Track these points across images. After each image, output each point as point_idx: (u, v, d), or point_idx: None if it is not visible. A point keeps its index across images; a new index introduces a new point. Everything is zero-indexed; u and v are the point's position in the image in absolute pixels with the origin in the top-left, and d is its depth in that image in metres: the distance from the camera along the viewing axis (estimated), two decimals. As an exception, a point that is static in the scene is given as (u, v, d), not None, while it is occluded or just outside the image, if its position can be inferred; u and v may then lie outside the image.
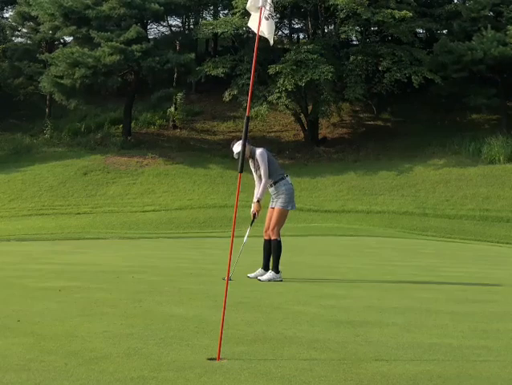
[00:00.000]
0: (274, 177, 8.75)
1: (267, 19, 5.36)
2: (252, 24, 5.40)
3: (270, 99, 33.64)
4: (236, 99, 35.34)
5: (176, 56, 34.88)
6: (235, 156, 8.60)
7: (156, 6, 34.58)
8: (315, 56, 33.32)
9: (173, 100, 38.99)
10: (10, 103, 40.46)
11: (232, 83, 35.11)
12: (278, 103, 34.65)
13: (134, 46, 33.43)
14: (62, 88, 35.50)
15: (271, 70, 33.34)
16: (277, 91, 33.41)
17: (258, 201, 8.68)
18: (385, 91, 35.41)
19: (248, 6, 5.43)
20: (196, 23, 40.99)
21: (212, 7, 42.55)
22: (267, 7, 5.35)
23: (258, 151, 8.75)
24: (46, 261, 11.11)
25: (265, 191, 8.72)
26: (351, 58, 35.06)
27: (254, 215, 8.72)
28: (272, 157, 8.91)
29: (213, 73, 34.71)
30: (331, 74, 32.64)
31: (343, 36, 35.23)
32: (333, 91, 34.60)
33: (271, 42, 5.56)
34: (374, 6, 33.62)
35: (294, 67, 33.30)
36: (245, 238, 8.73)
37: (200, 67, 35.44)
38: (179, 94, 38.44)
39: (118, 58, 33.14)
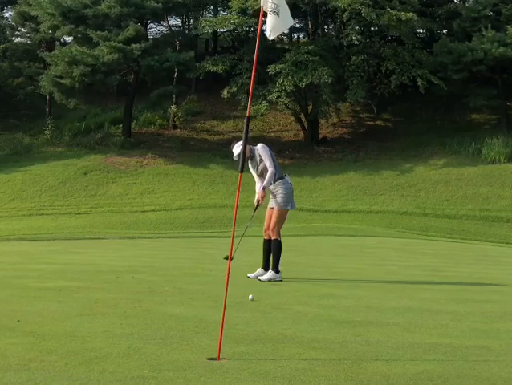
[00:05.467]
0: (276, 173, 8.72)
1: (266, 15, 5.38)
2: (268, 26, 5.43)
3: (269, 98, 33.60)
4: (235, 97, 35.31)
5: (176, 54, 34.88)
6: (234, 158, 8.60)
7: (154, 3, 34.49)
8: (315, 58, 33.22)
9: (173, 99, 39.02)
10: (10, 103, 40.47)
11: (231, 82, 35.08)
12: (277, 103, 34.64)
13: (133, 45, 33.42)
14: (61, 88, 35.49)
15: (271, 70, 33.29)
16: (276, 90, 33.37)
17: (263, 189, 8.65)
18: (387, 93, 35.45)
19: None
20: (196, 21, 41.00)
21: (212, 7, 42.58)
22: (269, 5, 5.36)
23: (259, 145, 8.81)
24: (46, 261, 11.11)
25: (271, 180, 8.64)
26: (353, 59, 34.96)
27: (258, 202, 8.68)
28: (273, 155, 8.89)
29: (213, 69, 34.70)
30: (331, 79, 32.50)
31: (347, 39, 35.13)
32: (333, 93, 34.49)
33: (269, 37, 5.54)
34: (377, 7, 33.33)
35: (294, 68, 33.22)
36: (248, 223, 8.65)
37: (199, 64, 35.48)
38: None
39: (116, 56, 33.11)
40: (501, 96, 35.04)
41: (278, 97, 33.47)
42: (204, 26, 36.00)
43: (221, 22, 35.39)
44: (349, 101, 35.06)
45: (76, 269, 9.66)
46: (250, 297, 6.77)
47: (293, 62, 33.43)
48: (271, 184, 8.69)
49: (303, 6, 36.68)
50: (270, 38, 5.68)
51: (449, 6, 38.15)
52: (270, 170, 8.61)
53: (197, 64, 35.56)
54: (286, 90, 33.12)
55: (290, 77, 33.00)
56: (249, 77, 33.09)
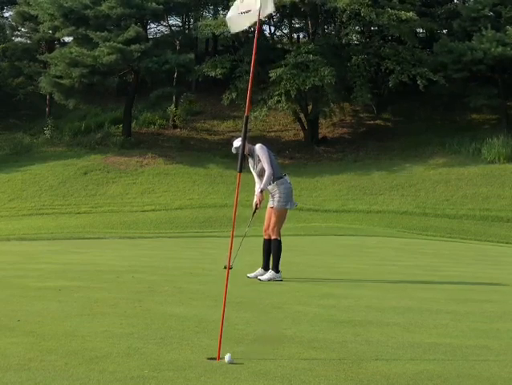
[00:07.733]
0: (274, 174, 8.71)
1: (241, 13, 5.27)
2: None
3: (269, 103, 33.52)
4: (234, 103, 35.23)
5: (176, 56, 34.83)
6: (233, 151, 8.60)
7: (155, 4, 34.45)
8: (316, 57, 33.11)
9: (173, 99, 39.04)
10: (10, 103, 40.46)
11: (231, 86, 34.97)
12: (277, 107, 34.59)
13: (133, 46, 33.38)
14: (61, 88, 35.49)
15: (273, 75, 33.01)
16: (276, 93, 33.26)
17: (261, 191, 8.64)
18: (387, 93, 35.43)
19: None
20: (196, 22, 40.95)
21: (212, 7, 42.53)
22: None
23: (258, 145, 8.76)
24: (46, 260, 11.11)
25: (268, 182, 8.61)
26: (353, 59, 34.87)
27: (256, 205, 8.66)
28: (272, 155, 8.88)
29: (211, 73, 34.61)
30: (334, 79, 32.35)
31: (346, 38, 35.05)
32: (335, 92, 34.37)
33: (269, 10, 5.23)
34: (376, 7, 33.27)
35: (295, 71, 32.96)
36: (247, 229, 8.67)
37: (199, 66, 35.41)
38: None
39: (115, 57, 33.07)
40: (502, 96, 35.05)
41: (278, 101, 33.39)
42: (203, 30, 35.78)
43: (221, 25, 35.19)
44: (355, 102, 34.95)
45: (76, 268, 9.66)
46: (227, 358, 4.39)
47: (294, 64, 33.20)
48: (270, 184, 8.68)
49: (303, 7, 36.59)
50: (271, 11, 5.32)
51: (449, 5, 38.16)
52: (268, 172, 8.58)
53: (196, 67, 35.46)
54: (289, 94, 32.89)
55: (291, 81, 32.75)
56: (249, 80, 32.95)
